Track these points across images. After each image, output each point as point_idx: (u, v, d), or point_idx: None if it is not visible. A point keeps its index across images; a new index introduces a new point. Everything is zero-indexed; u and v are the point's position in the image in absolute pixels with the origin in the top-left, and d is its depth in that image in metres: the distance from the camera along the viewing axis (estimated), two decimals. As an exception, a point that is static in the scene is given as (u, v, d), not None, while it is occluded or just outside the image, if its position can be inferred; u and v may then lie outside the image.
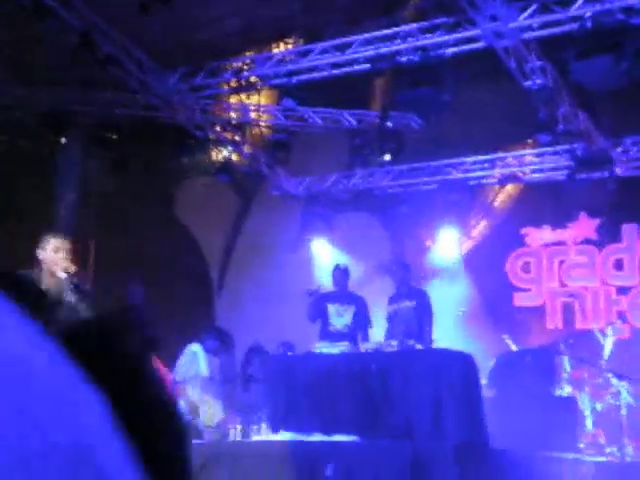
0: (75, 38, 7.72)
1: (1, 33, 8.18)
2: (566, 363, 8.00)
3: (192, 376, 7.56)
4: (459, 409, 6.06)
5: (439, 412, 6.05)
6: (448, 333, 8.24)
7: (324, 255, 11.13)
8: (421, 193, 10.60)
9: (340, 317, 8.02)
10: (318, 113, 9.90)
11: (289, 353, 8.34)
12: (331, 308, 8.05)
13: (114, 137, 9.33)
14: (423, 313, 7.72)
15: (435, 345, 7.41)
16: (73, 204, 9.61)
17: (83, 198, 9.71)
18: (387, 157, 9.95)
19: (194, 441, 6.52)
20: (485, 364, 7.88)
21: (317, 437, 6.28)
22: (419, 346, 6.94)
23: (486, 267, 10.44)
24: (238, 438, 6.90)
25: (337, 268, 8.33)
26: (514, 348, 8.81)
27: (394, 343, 7.09)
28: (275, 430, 6.64)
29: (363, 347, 7.47)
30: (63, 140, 9.43)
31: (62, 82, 8.86)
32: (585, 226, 10.16)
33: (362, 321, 7.98)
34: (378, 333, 8.03)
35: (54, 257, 4.91)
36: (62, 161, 9.49)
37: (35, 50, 8.32)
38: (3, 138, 8.71)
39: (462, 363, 6.35)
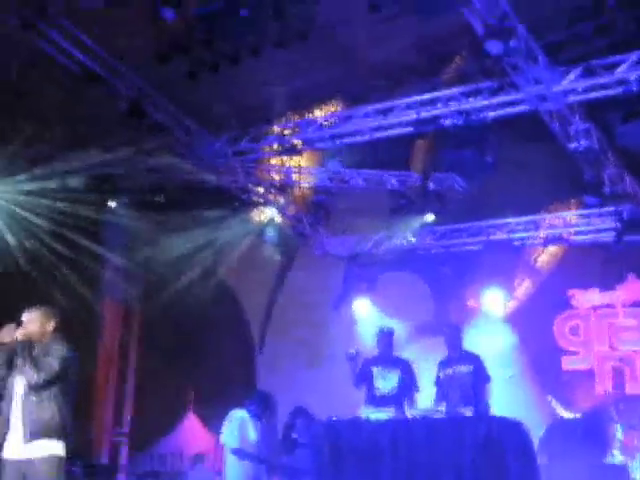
0: (125, 104, 7.90)
1: (52, 98, 8.40)
2: (618, 430, 7.80)
3: (240, 444, 7.41)
4: (513, 480, 5.88)
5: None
6: (494, 397, 8.07)
7: (366, 314, 11.07)
8: (465, 253, 10.54)
9: (385, 380, 7.87)
10: (360, 174, 9.95)
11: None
12: (376, 371, 7.92)
13: (161, 201, 9.45)
14: (479, 378, 7.54)
15: (491, 411, 7.19)
16: (120, 267, 9.71)
17: (130, 261, 9.81)
18: (429, 218, 9.96)
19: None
20: (532, 428, 7.69)
21: (363, 506, 6.15)
22: (469, 412, 6.78)
23: (532, 328, 10.27)
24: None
25: (381, 331, 8.16)
26: (560, 410, 8.61)
27: (442, 408, 6.95)
28: (321, 496, 6.53)
29: (410, 412, 7.33)
30: (111, 204, 9.59)
31: (111, 146, 9.05)
32: (634, 288, 9.99)
33: (408, 385, 7.81)
34: (424, 397, 7.87)
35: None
36: (110, 225, 9.62)
37: (84, 115, 8.51)
38: (49, 202, 8.87)
39: (516, 433, 6.16)
